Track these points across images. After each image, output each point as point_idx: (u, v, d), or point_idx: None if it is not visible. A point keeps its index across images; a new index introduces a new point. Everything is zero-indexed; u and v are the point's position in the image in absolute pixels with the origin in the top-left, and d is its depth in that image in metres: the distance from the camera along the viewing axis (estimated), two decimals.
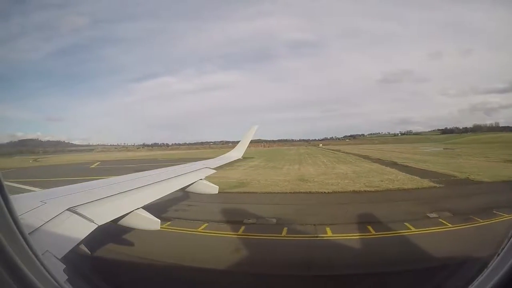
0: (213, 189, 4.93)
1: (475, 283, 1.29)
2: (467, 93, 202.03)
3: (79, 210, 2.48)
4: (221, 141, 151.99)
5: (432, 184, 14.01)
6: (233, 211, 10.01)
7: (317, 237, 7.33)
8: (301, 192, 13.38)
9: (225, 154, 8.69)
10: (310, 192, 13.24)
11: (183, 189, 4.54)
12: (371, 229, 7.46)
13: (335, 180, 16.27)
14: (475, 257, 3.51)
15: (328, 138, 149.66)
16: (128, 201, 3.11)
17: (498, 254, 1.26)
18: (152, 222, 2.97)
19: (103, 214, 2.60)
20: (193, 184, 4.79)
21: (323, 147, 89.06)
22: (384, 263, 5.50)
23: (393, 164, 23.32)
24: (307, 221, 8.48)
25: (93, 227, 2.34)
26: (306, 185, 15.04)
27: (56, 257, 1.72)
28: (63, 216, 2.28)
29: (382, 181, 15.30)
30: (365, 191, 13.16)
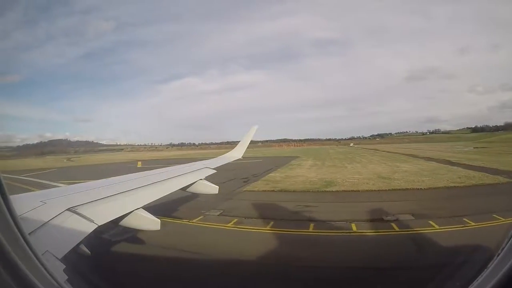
0: (213, 189, 4.93)
1: (475, 283, 1.29)
2: (496, 90, 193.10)
3: (79, 210, 2.48)
4: None
5: (509, 180, 13.95)
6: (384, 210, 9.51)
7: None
8: (408, 189, 13.01)
9: (225, 154, 8.69)
10: (420, 189, 12.88)
11: (183, 189, 4.54)
12: None
13: (414, 177, 16.06)
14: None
15: (355, 137, 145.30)
16: (128, 201, 3.11)
17: (498, 254, 1.26)
18: (152, 222, 2.96)
19: (103, 214, 2.60)
20: (193, 184, 4.79)
21: (356, 146, 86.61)
22: None
23: (449, 162, 22.68)
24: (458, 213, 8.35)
25: (93, 227, 2.34)
26: (393, 182, 14.76)
27: (56, 257, 1.72)
28: (63, 216, 2.28)
29: (459, 177, 15.19)
30: (457, 186, 13.06)
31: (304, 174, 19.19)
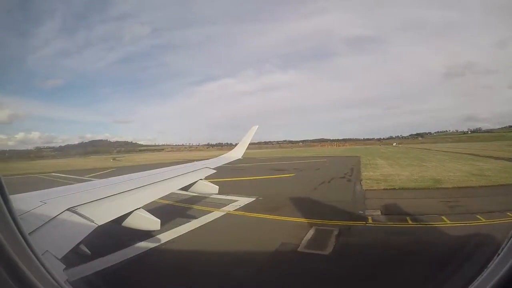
0: (213, 189, 4.93)
1: (475, 283, 1.29)
2: None
3: (79, 210, 2.48)
4: (283, 141, 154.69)
5: None
6: None
7: None
8: None
9: (224, 155, 8.69)
10: None
11: (183, 189, 4.54)
12: None
13: (506, 174, 15.74)
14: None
15: (394, 136, 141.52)
16: (128, 201, 3.11)
17: (498, 254, 1.26)
18: (152, 222, 2.97)
19: (103, 214, 2.60)
20: (193, 184, 4.80)
21: (400, 146, 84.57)
22: None
23: None
24: None
25: (93, 227, 2.34)
26: (493, 178, 14.40)
27: (56, 257, 1.72)
28: (63, 216, 2.28)
29: None
30: None
31: (397, 173, 18.41)
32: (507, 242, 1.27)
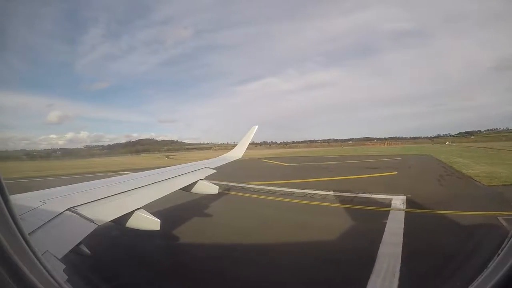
0: (213, 189, 4.94)
1: (475, 283, 1.29)
2: None
3: (79, 210, 2.48)
4: (328, 140, 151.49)
5: None
6: None
7: None
8: None
9: (224, 155, 8.69)
10: None
11: (183, 189, 4.54)
12: None
13: None
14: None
15: (441, 135, 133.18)
16: (128, 201, 3.11)
17: (498, 254, 1.27)
18: (152, 222, 2.97)
19: (103, 214, 2.60)
20: (193, 184, 4.80)
21: (454, 144, 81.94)
22: None
23: None
24: None
25: (93, 227, 2.34)
26: None
27: (56, 257, 1.72)
28: (63, 216, 2.29)
29: None
30: None
31: (493, 170, 17.01)
32: (507, 242, 1.28)
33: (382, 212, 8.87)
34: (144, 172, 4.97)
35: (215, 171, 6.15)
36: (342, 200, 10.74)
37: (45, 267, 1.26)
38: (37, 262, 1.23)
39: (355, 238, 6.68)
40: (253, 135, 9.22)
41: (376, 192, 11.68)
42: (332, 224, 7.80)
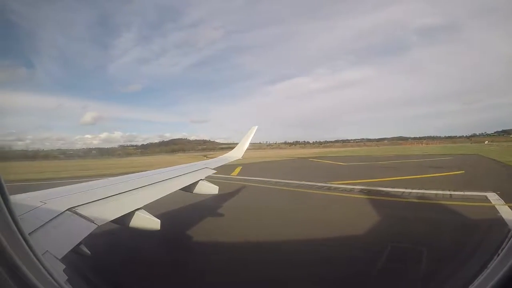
0: (213, 189, 4.94)
1: (475, 283, 1.29)
2: None
3: (79, 210, 2.48)
4: (360, 139, 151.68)
5: None
6: None
7: None
8: None
9: (224, 155, 8.70)
10: None
11: (183, 189, 4.54)
12: None
13: None
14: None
15: (477, 134, 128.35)
16: (128, 201, 3.11)
17: (498, 254, 1.27)
18: (152, 222, 2.97)
19: (103, 214, 2.61)
20: (194, 184, 4.80)
21: (494, 144, 78.89)
22: None
23: None
24: None
25: (93, 227, 2.34)
26: None
27: (56, 257, 1.72)
28: (63, 217, 2.29)
29: None
30: None
31: None
32: (507, 242, 1.28)
33: (487, 207, 8.86)
34: (144, 172, 4.97)
35: (215, 171, 6.16)
36: (447, 197, 10.58)
37: (45, 267, 1.26)
38: (37, 262, 1.23)
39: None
40: (252, 135, 9.24)
41: (464, 190, 11.49)
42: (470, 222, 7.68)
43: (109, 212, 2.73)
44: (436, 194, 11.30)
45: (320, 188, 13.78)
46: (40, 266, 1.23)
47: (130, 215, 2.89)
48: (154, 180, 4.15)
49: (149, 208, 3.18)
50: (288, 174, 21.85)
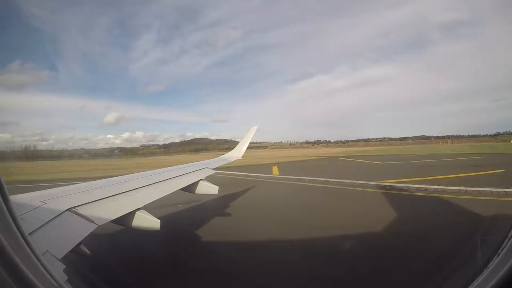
0: (213, 189, 4.94)
1: (475, 283, 1.29)
2: None
3: (79, 210, 2.48)
4: (382, 138, 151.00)
5: None
6: None
7: None
8: None
9: (225, 155, 8.71)
10: None
11: (183, 189, 4.55)
12: None
13: None
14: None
15: (501, 133, 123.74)
16: (128, 201, 3.11)
17: (498, 254, 1.27)
18: (152, 222, 2.97)
19: (103, 214, 2.61)
20: (194, 185, 4.80)
21: None
22: None
23: None
24: None
25: (93, 227, 2.34)
26: None
27: (56, 257, 1.72)
28: (63, 217, 2.29)
29: None
30: None
31: None
32: (507, 242, 1.28)
33: None
34: (144, 172, 4.98)
35: (215, 171, 6.16)
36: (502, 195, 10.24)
37: (45, 267, 1.26)
38: (37, 262, 1.23)
39: None
40: (252, 135, 9.25)
41: None
42: None
43: (109, 212, 2.73)
44: (491, 191, 10.84)
45: (382, 187, 13.04)
46: (40, 266, 1.23)
47: (130, 215, 2.89)
48: (154, 180, 4.15)
49: (152, 207, 3.19)
50: (334, 173, 20.84)
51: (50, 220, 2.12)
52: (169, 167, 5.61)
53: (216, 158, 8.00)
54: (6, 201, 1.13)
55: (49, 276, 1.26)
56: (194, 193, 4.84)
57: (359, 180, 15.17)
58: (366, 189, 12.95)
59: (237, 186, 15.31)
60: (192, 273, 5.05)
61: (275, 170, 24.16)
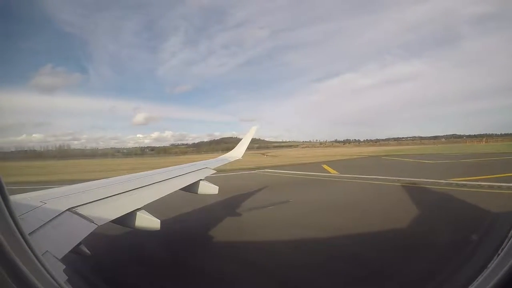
0: (213, 189, 4.94)
1: (475, 283, 1.29)
2: None
3: (79, 210, 2.48)
4: (413, 137, 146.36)
5: None
6: None
7: None
8: None
9: (225, 155, 8.71)
10: None
11: (183, 189, 4.54)
12: None
13: None
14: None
15: None
16: (128, 201, 3.11)
17: (498, 254, 1.27)
18: (152, 222, 2.97)
19: (103, 214, 2.61)
20: (194, 184, 4.80)
21: None
22: None
23: None
24: None
25: (93, 227, 2.34)
26: None
27: (56, 258, 1.72)
28: (63, 217, 2.29)
29: None
30: None
31: None
32: (507, 242, 1.28)
33: None
34: (144, 172, 4.98)
35: (215, 171, 6.15)
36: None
37: (45, 267, 1.26)
38: (37, 262, 1.23)
39: None
40: (252, 135, 9.24)
41: None
42: None
43: (109, 212, 2.73)
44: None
45: (463, 186, 12.56)
46: (40, 266, 1.23)
47: (130, 215, 2.89)
48: (154, 180, 4.15)
49: (151, 207, 3.19)
50: (397, 171, 20.01)
51: (50, 220, 2.12)
52: (169, 167, 5.61)
53: (216, 158, 8.00)
54: (6, 201, 1.13)
55: (49, 276, 1.26)
56: (194, 193, 4.83)
57: (432, 179, 14.64)
58: (457, 188, 12.15)
59: (322, 186, 15.22)
60: None
61: (330, 169, 23.55)
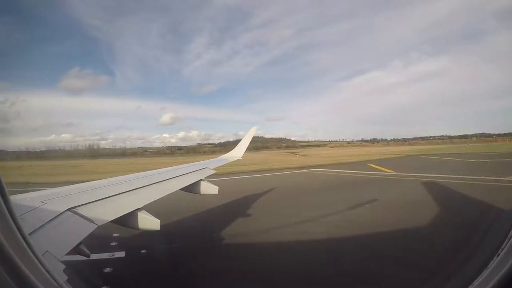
0: (213, 189, 4.94)
1: (475, 283, 1.29)
2: None
3: (79, 210, 2.48)
4: (441, 136, 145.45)
5: None
6: None
7: None
8: None
9: (225, 155, 8.71)
10: None
11: (183, 189, 4.54)
12: None
13: None
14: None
15: None
16: (128, 201, 3.11)
17: (498, 254, 1.27)
18: (152, 222, 2.96)
19: (103, 215, 2.60)
20: (194, 185, 4.80)
21: None
22: None
23: None
24: None
25: (93, 227, 2.34)
26: None
27: (56, 258, 1.72)
28: (63, 217, 2.29)
29: None
30: None
31: None
32: (507, 242, 1.28)
33: None
34: (144, 172, 4.97)
35: (215, 171, 6.15)
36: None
37: (45, 267, 1.26)
38: (37, 262, 1.23)
39: None
40: (252, 135, 9.25)
41: None
42: None
43: (109, 212, 2.73)
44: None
45: None
46: (40, 266, 1.23)
47: (130, 215, 2.88)
48: (154, 180, 4.15)
49: (151, 207, 3.18)
50: (452, 171, 19.23)
51: (50, 220, 2.12)
52: (170, 167, 5.61)
53: (216, 158, 8.00)
54: (6, 201, 1.13)
55: (49, 276, 1.26)
56: (194, 193, 4.83)
57: (493, 177, 14.55)
58: None
59: (395, 185, 14.67)
60: None
61: (383, 168, 22.96)
